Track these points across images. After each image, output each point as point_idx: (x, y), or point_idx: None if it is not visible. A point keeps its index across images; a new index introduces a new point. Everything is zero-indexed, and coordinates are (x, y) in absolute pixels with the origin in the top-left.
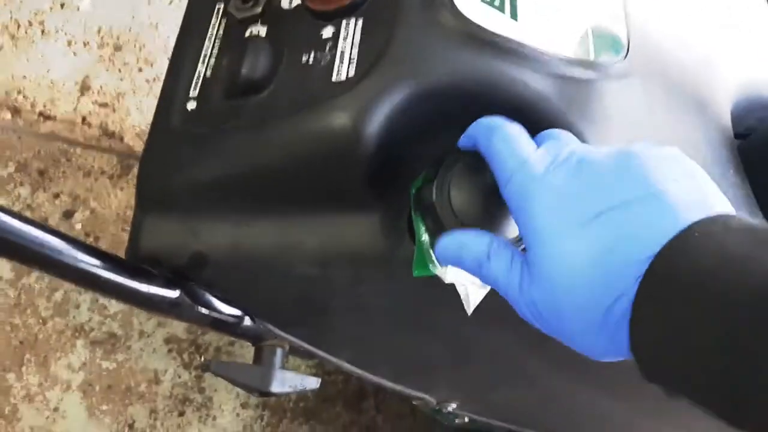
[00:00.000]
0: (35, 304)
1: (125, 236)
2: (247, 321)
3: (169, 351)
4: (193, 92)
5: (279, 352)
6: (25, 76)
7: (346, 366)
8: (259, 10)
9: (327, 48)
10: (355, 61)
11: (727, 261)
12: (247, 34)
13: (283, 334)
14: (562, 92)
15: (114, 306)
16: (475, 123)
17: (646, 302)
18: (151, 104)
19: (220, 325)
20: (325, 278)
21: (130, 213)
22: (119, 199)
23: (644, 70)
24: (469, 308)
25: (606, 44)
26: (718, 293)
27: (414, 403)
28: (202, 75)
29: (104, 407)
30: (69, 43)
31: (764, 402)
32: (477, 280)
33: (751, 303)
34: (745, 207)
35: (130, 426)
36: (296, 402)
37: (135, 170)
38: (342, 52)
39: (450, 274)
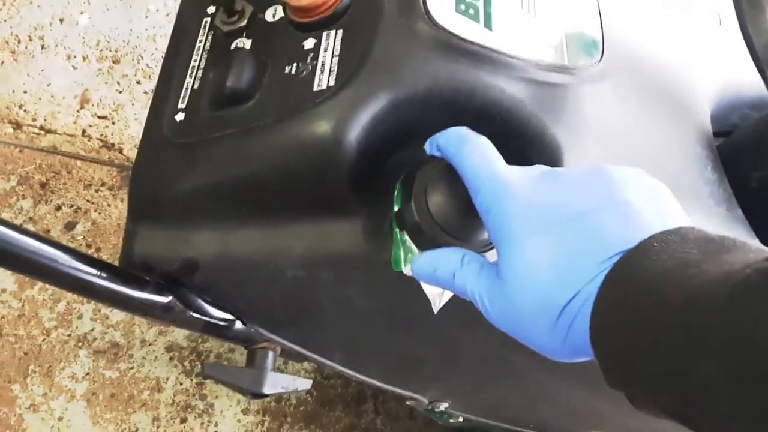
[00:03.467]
0: (39, 316)
1: None
2: (239, 325)
3: (171, 359)
4: (182, 104)
5: (270, 354)
6: (25, 91)
7: (338, 368)
8: (243, 23)
9: (309, 59)
10: (335, 70)
11: (678, 267)
12: (233, 46)
13: (273, 336)
14: (537, 97)
15: (116, 316)
16: (443, 133)
17: (606, 298)
18: None
19: (212, 329)
20: (312, 281)
21: None
22: (120, 210)
23: (620, 71)
24: (436, 307)
25: (581, 47)
26: (663, 298)
27: (407, 403)
28: (190, 87)
29: (108, 415)
30: (68, 57)
31: (702, 400)
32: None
33: (682, 307)
34: (723, 202)
35: None
36: (296, 407)
37: None
38: (323, 62)
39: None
